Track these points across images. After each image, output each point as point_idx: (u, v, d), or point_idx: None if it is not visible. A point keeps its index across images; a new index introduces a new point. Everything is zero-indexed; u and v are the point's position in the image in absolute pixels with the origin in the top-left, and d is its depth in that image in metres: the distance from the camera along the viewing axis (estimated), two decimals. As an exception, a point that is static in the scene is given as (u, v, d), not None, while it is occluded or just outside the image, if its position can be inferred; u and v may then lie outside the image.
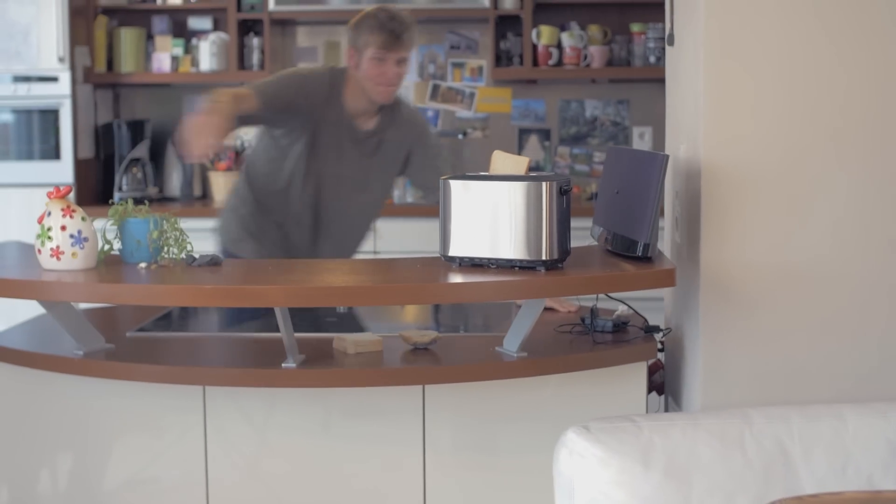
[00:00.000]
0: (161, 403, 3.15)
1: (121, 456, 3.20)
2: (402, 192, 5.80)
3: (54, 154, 5.55)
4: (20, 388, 3.23)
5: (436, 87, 6.08)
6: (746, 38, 3.03)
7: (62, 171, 5.55)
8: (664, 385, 3.50)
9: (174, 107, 6.14)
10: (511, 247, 2.93)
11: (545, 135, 6.07)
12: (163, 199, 5.96)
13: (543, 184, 2.88)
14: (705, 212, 3.06)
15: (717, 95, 3.04)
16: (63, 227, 2.96)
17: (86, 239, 2.98)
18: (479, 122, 6.08)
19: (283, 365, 2.97)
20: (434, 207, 5.18)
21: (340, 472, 3.14)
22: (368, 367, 3.03)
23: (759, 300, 3.06)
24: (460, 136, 5.97)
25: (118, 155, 5.83)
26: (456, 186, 2.98)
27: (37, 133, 5.55)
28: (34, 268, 3.05)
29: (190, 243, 3.10)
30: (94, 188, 5.82)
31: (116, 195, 5.73)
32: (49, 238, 2.96)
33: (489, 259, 2.95)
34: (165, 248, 3.09)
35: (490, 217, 2.94)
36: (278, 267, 3.14)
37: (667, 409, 3.49)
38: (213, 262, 3.04)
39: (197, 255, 3.08)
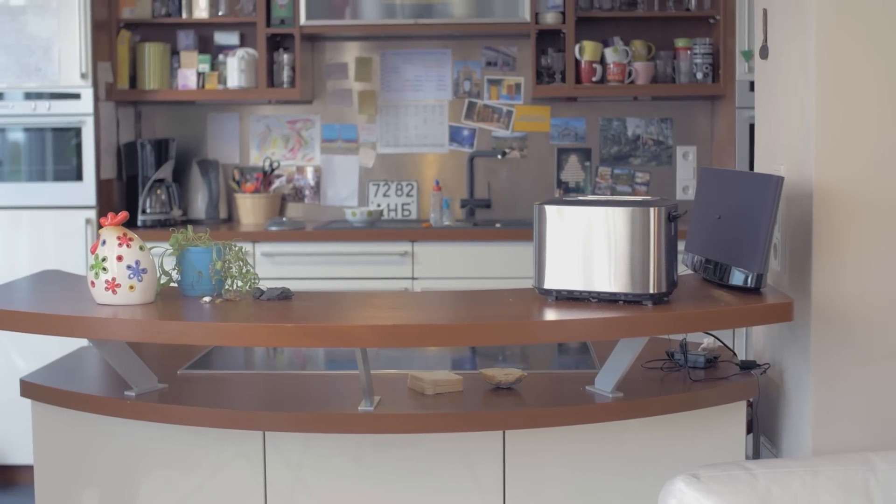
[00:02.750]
0: (218, 449, 2.88)
1: (176, 506, 2.93)
2: (439, 215, 5.55)
3: (76, 175, 5.27)
4: (66, 432, 2.97)
5: (472, 105, 5.83)
6: (864, 51, 2.80)
7: (84, 192, 5.27)
8: (752, 424, 3.24)
9: (198, 125, 5.88)
10: (614, 278, 2.67)
11: (585, 154, 5.82)
12: (187, 222, 5.69)
13: (651, 209, 2.63)
14: (817, 239, 2.82)
15: (830, 113, 2.80)
16: (119, 258, 2.70)
17: (144, 270, 2.71)
18: (517, 142, 5.83)
19: (359, 408, 2.71)
20: (471, 230, 4.98)
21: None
22: (449, 409, 2.77)
23: (876, 335, 2.83)
24: (499, 156, 5.71)
25: (142, 175, 5.55)
26: (551, 212, 2.73)
27: (57, 153, 5.27)
28: (84, 301, 2.79)
29: (255, 275, 2.84)
30: (116, 210, 5.53)
31: (140, 217, 5.46)
32: (104, 269, 2.70)
33: (590, 292, 2.69)
34: (229, 280, 2.82)
35: (590, 246, 2.69)
36: (355, 300, 2.87)
37: (758, 450, 3.24)
38: (283, 296, 2.78)
39: (265, 289, 2.81)
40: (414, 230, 5.34)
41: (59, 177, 5.28)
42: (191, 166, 5.78)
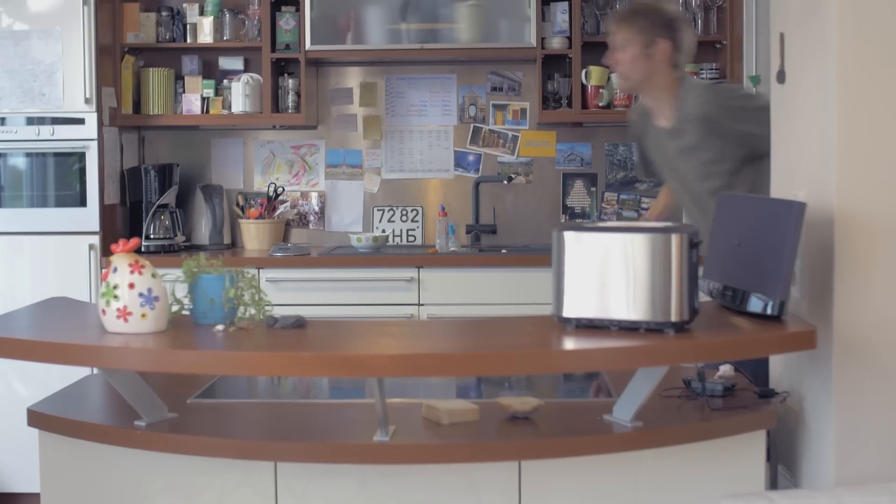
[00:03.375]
0: (228, 479, 2.82)
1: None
2: (445, 240, 5.51)
3: (79, 200, 5.22)
4: (74, 462, 2.91)
5: (477, 130, 5.80)
6: (886, 74, 2.77)
7: (88, 217, 5.22)
8: (769, 452, 3.19)
9: (202, 151, 5.84)
10: (635, 306, 2.63)
11: (591, 180, 5.79)
12: (190, 248, 5.65)
13: (672, 235, 2.59)
14: (839, 265, 2.78)
15: (852, 137, 2.77)
16: (131, 285, 2.65)
17: (156, 298, 2.67)
18: (523, 167, 5.80)
19: (374, 438, 2.66)
20: (478, 256, 4.93)
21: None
22: (465, 440, 2.72)
23: (900, 364, 2.78)
24: (505, 182, 5.67)
25: (145, 201, 5.51)
26: (569, 238, 2.69)
27: (60, 178, 5.23)
28: (94, 329, 2.74)
29: (269, 302, 2.79)
30: (119, 236, 5.50)
31: (143, 243, 5.41)
32: (115, 297, 2.65)
33: (610, 320, 2.65)
34: (241, 308, 2.78)
35: (610, 273, 2.65)
36: (370, 329, 2.83)
37: (776, 480, 3.19)
38: (297, 325, 2.73)
39: (278, 317, 2.77)
40: (420, 256, 5.29)
41: (62, 202, 5.24)
42: (195, 192, 5.73)
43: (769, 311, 2.73)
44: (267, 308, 2.79)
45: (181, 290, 2.82)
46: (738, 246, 2.90)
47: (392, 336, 2.76)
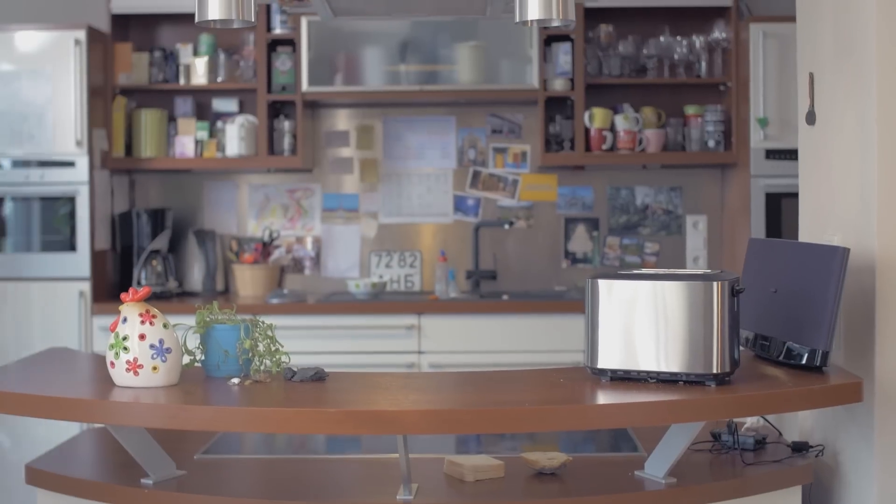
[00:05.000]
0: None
1: None
2: (445, 286, 5.38)
3: (69, 245, 5.07)
4: (77, 524, 2.74)
5: (476, 174, 5.68)
6: (929, 116, 2.66)
7: (78, 263, 5.07)
8: (802, 508, 3.06)
9: (195, 194, 5.70)
10: (674, 357, 2.50)
11: (593, 224, 5.67)
12: (183, 294, 5.49)
13: (714, 283, 2.46)
14: (881, 313, 2.67)
15: (894, 181, 2.66)
16: (142, 336, 2.51)
17: (168, 350, 2.52)
18: (523, 211, 5.68)
19: (398, 497, 2.52)
20: (480, 303, 4.81)
21: None
22: (491, 498, 2.58)
23: (946, 417, 2.66)
24: (506, 226, 5.55)
25: (137, 246, 5.36)
26: (604, 287, 2.56)
27: (49, 222, 5.07)
28: (100, 382, 2.60)
29: (286, 353, 2.65)
30: (110, 282, 5.35)
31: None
32: (125, 349, 2.51)
33: (647, 372, 2.52)
34: (256, 359, 2.63)
35: (646, 323, 2.52)
36: (393, 381, 2.68)
37: (809, 537, 3.05)
38: (317, 377, 2.59)
39: (296, 368, 2.63)
40: (420, 302, 5.16)
41: (51, 247, 5.09)
42: (187, 236, 5.58)
43: (814, 362, 2.61)
44: (284, 360, 2.65)
45: (192, 341, 2.67)
46: (775, 293, 2.78)
47: (418, 390, 2.61)
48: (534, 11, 2.45)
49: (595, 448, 3.14)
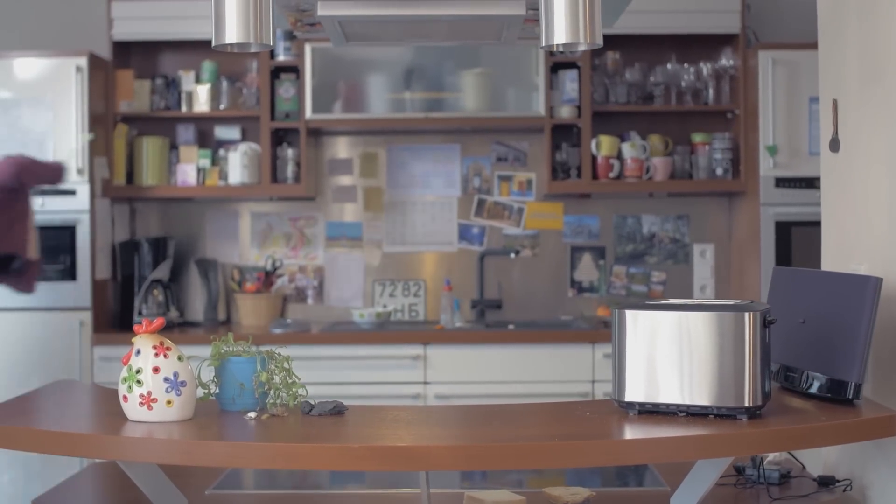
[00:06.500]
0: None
1: None
2: (451, 316, 5.30)
3: (69, 274, 4.99)
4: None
5: (481, 202, 5.62)
6: (961, 142, 2.60)
7: (79, 292, 4.99)
8: (825, 544, 2.98)
9: (196, 223, 5.62)
10: (704, 390, 2.43)
11: (599, 253, 5.61)
12: (184, 324, 5.41)
13: (746, 314, 2.40)
14: (913, 346, 2.60)
15: (926, 210, 2.60)
16: (156, 369, 2.43)
17: (183, 383, 2.45)
18: (529, 240, 5.61)
19: (419, 535, 2.44)
20: (486, 333, 4.73)
21: None
22: (514, 535, 2.50)
23: (980, 451, 2.59)
24: (511, 255, 5.48)
25: (138, 275, 5.28)
26: (631, 318, 2.49)
27: (49, 251, 4.99)
28: (111, 416, 2.51)
29: (303, 387, 2.58)
30: (110, 312, 5.27)
31: (135, 319, 5.17)
32: (138, 382, 2.43)
33: (677, 405, 2.45)
34: (273, 393, 2.56)
35: (676, 355, 2.45)
36: (415, 415, 2.60)
37: (835, 574, 2.97)
38: (336, 411, 2.51)
39: (314, 402, 2.55)
40: (426, 332, 5.09)
41: (50, 276, 5.00)
42: (188, 265, 5.51)
43: (846, 395, 2.54)
44: (301, 393, 2.57)
45: (206, 373, 2.59)
46: (803, 324, 2.72)
47: (441, 424, 2.53)
48: (560, 35, 2.39)
49: (601, 482, 3.02)
